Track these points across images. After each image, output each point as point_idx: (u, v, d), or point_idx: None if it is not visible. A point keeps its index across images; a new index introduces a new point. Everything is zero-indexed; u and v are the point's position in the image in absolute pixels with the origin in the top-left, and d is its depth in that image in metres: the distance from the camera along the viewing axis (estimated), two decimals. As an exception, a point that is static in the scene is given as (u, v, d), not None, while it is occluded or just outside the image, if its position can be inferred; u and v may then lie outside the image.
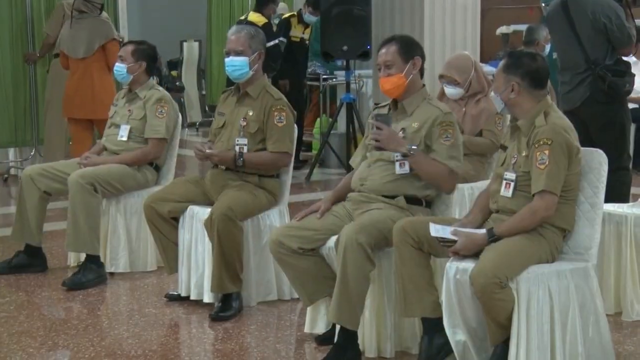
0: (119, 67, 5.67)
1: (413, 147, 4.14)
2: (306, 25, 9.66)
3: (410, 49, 4.31)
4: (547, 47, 8.00)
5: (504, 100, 3.91)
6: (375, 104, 4.58)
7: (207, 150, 4.87)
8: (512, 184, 3.84)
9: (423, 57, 4.34)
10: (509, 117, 4.19)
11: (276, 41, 9.01)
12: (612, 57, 5.75)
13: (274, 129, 4.86)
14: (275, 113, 4.86)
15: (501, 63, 3.95)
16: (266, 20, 8.95)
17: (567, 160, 3.75)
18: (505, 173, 3.89)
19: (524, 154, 3.83)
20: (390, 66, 4.26)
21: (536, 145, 3.75)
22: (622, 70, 5.75)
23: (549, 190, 3.70)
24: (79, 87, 7.33)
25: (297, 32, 9.60)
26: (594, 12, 5.70)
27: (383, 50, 4.31)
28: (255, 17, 8.92)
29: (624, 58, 5.84)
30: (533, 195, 3.75)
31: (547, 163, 3.71)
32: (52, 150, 8.13)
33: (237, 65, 4.86)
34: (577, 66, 5.81)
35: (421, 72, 4.35)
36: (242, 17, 9.33)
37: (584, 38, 5.75)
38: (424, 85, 4.40)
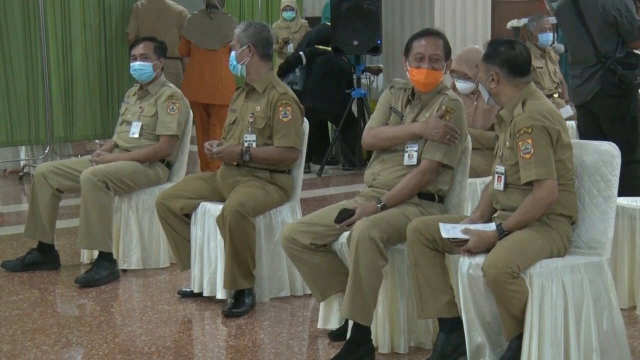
0: (144, 66, 5.62)
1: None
2: None
3: (449, 49, 4.30)
4: (542, 36, 7.85)
5: (487, 90, 3.91)
6: (391, 81, 4.54)
7: (214, 149, 4.88)
8: (503, 177, 3.84)
9: None
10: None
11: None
12: (622, 50, 5.74)
13: (280, 124, 4.86)
14: (281, 108, 4.85)
15: (482, 53, 3.96)
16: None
17: (551, 143, 3.73)
18: (497, 167, 3.89)
19: (507, 145, 3.83)
20: (438, 60, 4.23)
21: (517, 136, 3.74)
22: (633, 63, 5.73)
23: (543, 178, 3.69)
24: (205, 74, 8.00)
25: None
26: (603, 6, 5.68)
27: (425, 42, 4.23)
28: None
29: (635, 51, 5.83)
30: (524, 185, 3.73)
31: (532, 151, 3.69)
32: None
33: None
34: (587, 60, 5.79)
35: None
36: None
37: (594, 31, 5.74)
38: None
